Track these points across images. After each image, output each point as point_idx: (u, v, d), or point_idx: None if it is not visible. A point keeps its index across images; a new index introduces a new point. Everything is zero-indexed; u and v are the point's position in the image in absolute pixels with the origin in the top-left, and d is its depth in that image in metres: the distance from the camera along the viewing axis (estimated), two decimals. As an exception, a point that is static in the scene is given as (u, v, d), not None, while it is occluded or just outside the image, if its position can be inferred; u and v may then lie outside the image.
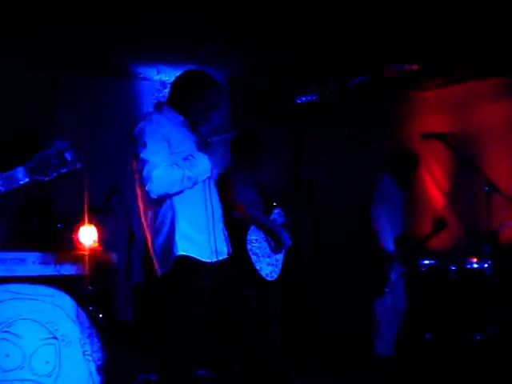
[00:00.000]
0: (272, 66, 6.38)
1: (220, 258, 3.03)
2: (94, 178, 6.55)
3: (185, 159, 2.91)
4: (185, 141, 3.01)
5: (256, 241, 4.02)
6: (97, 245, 5.38)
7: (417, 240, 5.02)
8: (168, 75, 6.98)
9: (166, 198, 2.89)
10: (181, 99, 3.11)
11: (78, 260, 3.67)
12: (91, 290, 3.86)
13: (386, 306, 4.83)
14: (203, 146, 3.01)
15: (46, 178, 2.45)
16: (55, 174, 2.44)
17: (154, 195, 2.84)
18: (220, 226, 3.09)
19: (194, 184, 2.92)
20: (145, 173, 2.82)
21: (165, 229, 2.92)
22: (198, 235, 2.95)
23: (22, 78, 5.95)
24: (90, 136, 6.56)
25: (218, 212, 3.09)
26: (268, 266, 4.05)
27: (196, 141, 3.04)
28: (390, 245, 4.74)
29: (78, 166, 2.47)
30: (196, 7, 4.92)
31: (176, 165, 2.87)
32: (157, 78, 7.06)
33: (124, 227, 6.09)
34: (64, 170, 2.45)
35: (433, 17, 4.85)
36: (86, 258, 3.77)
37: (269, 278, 4.03)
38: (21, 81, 5.93)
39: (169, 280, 2.93)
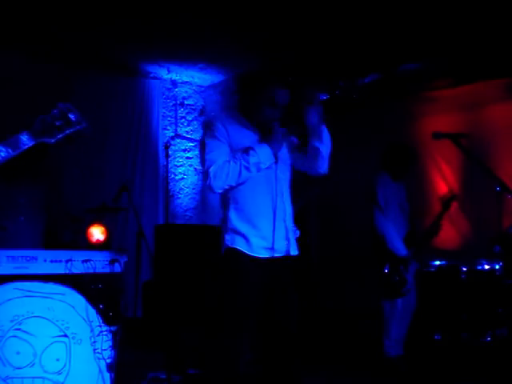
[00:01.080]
0: (281, 65, 6.38)
1: (277, 255, 2.99)
2: (103, 177, 6.59)
3: (243, 152, 2.96)
4: (245, 139, 3.03)
5: None
6: (107, 243, 5.41)
7: (428, 226, 4.98)
8: (178, 74, 7.00)
9: (230, 190, 2.98)
10: (240, 100, 3.18)
11: (88, 258, 3.67)
12: (101, 288, 3.87)
13: (396, 306, 4.81)
14: (265, 136, 3.03)
15: (53, 140, 2.41)
16: (61, 136, 2.41)
17: (216, 190, 2.95)
18: (282, 223, 3.04)
19: (258, 171, 2.96)
20: (203, 171, 2.98)
21: (224, 218, 3.04)
22: (252, 229, 2.97)
23: (31, 76, 5.97)
24: (100, 134, 6.58)
25: (283, 208, 3.06)
26: None
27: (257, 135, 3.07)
28: (401, 249, 4.72)
29: (84, 125, 2.45)
30: (206, 7, 4.93)
31: (233, 158, 2.95)
32: (167, 76, 7.08)
33: (133, 225, 6.11)
34: (69, 131, 2.43)
35: (443, 17, 4.83)
36: (97, 256, 3.77)
37: None
38: (30, 79, 5.94)
39: (220, 266, 3.01)
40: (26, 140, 2.43)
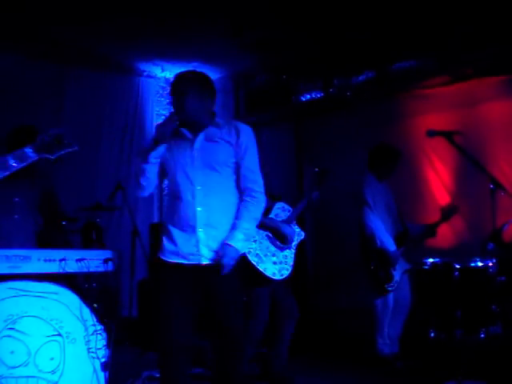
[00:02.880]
0: (275, 64, 6.37)
1: (184, 262, 2.94)
2: (98, 176, 6.58)
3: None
4: None
5: (255, 242, 3.96)
6: (101, 241, 5.41)
7: (424, 229, 5.01)
8: (172, 73, 6.99)
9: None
10: None
11: (82, 257, 3.66)
12: (96, 286, 3.87)
13: (388, 304, 4.82)
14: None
15: (53, 156, 2.87)
16: (59, 154, 2.88)
17: None
18: (193, 229, 2.97)
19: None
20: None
21: None
22: (165, 234, 3.05)
23: (26, 74, 5.97)
24: (94, 133, 6.57)
25: (193, 213, 2.96)
26: (275, 264, 4.00)
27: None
28: (390, 245, 4.72)
29: (76, 148, 2.91)
30: (200, 5, 4.93)
31: None
32: (161, 75, 7.07)
33: (128, 224, 6.11)
34: (65, 151, 2.90)
35: (438, 14, 4.85)
36: (91, 255, 3.76)
37: (278, 277, 3.97)
38: (25, 77, 5.94)
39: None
40: (30, 154, 2.84)
